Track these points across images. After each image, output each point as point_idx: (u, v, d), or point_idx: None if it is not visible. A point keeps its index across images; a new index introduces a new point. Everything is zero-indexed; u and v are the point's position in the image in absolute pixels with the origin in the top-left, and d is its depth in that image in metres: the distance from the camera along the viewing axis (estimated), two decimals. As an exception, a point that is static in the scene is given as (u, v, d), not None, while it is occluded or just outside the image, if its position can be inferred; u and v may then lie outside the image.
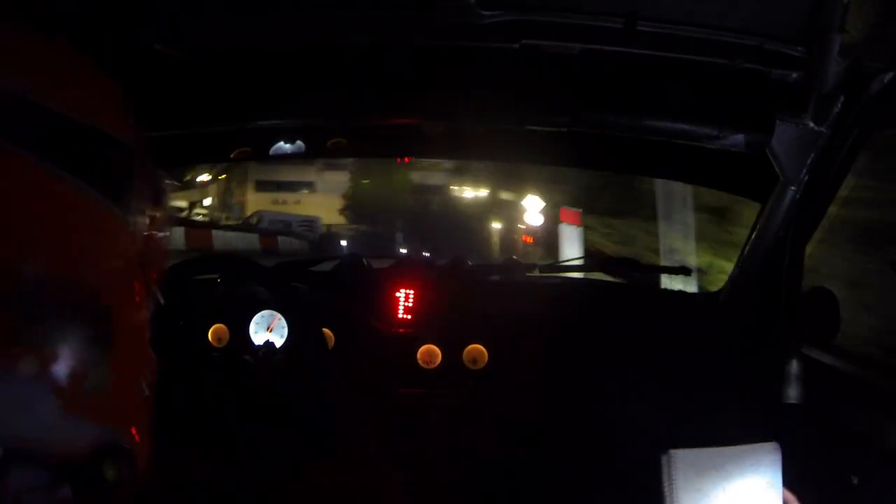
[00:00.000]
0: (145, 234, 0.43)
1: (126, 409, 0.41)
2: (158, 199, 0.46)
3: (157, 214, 0.45)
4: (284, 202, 17.19)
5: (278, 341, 1.56)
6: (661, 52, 1.03)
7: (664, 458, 0.90)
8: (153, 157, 0.48)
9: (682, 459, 0.90)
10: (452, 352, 1.63)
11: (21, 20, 0.38)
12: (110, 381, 0.39)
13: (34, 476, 0.36)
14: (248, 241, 11.84)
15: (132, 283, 0.42)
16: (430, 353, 1.63)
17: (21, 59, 0.38)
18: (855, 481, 1.08)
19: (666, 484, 0.90)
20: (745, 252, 1.32)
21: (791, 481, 0.92)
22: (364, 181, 15.69)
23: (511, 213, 11.94)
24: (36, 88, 0.37)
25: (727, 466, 0.91)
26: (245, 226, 13.96)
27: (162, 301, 0.45)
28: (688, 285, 1.84)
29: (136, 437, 0.42)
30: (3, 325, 0.34)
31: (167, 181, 0.48)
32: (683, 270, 1.84)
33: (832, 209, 1.21)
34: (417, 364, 1.63)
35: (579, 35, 1.02)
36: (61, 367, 0.37)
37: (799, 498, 0.92)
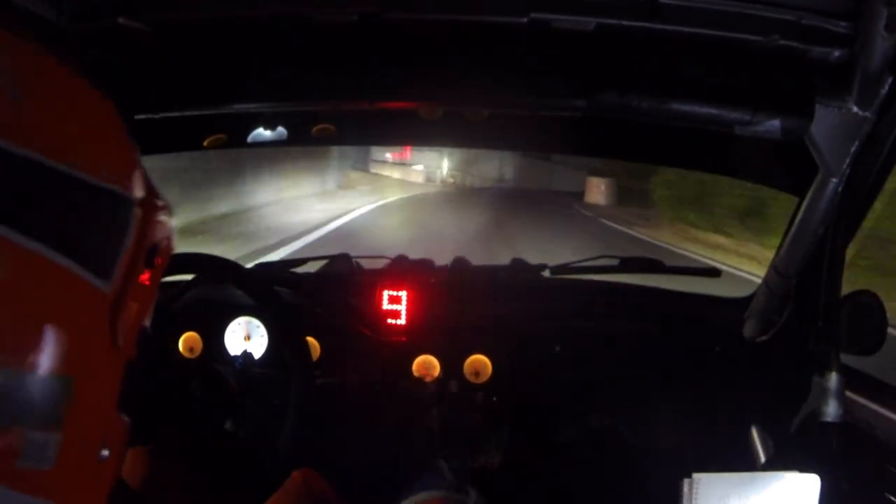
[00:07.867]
0: (130, 299, 0.41)
1: (77, 480, 0.40)
2: (152, 259, 0.44)
3: (148, 277, 0.43)
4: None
5: (257, 351, 1.55)
6: (687, 28, 1.02)
7: (685, 483, 0.90)
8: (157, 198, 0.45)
9: (705, 484, 0.90)
10: (452, 363, 1.63)
11: None
12: (59, 455, 0.37)
13: None
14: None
15: (102, 352, 0.40)
16: (427, 364, 1.63)
17: None
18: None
19: None
20: (781, 251, 1.32)
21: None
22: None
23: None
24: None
25: (755, 495, 0.91)
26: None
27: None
28: (717, 288, 1.83)
29: None
30: None
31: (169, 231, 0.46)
32: (712, 272, 1.84)
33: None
34: (413, 377, 1.62)
35: (595, 8, 1.01)
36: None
37: None
